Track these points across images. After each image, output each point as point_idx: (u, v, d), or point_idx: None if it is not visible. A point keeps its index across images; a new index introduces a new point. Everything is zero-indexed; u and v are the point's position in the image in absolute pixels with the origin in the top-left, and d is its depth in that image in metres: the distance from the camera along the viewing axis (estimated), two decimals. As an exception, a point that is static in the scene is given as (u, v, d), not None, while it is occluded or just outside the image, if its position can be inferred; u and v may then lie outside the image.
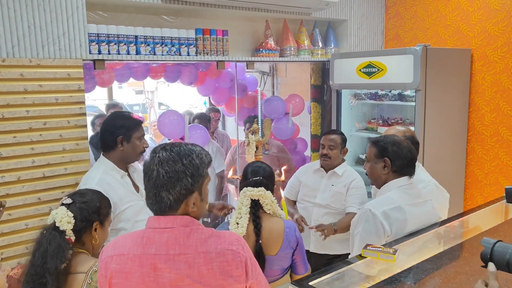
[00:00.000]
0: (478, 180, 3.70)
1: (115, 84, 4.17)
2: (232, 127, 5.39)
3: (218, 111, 4.82)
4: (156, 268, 1.29)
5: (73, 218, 1.72)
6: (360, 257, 1.78)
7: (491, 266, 1.06)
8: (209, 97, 4.95)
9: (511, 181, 3.39)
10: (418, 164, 2.47)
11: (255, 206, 2.17)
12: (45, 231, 1.72)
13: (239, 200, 2.20)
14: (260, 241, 2.11)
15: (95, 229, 1.80)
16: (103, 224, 1.85)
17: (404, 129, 2.54)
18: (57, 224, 1.70)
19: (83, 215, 1.76)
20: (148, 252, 1.30)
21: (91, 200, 1.81)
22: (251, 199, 2.16)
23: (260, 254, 2.09)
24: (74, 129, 2.59)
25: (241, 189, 2.24)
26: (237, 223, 2.11)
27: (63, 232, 1.70)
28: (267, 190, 2.20)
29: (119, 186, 2.23)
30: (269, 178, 2.29)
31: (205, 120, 4.38)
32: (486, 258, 1.11)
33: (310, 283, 1.56)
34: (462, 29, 3.71)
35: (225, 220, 3.23)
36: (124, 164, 2.33)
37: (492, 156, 3.61)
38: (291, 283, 1.58)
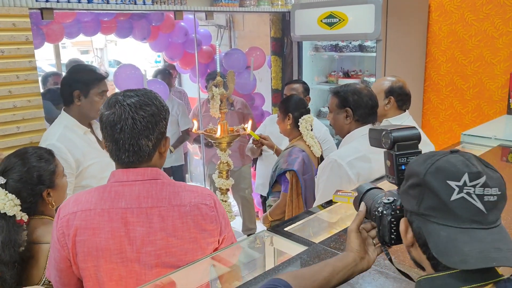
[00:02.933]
0: (433, 128, 3.85)
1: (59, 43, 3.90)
2: (188, 85, 5.25)
3: (174, 68, 4.67)
4: (127, 222, 1.22)
5: (16, 198, 1.55)
6: (322, 206, 1.82)
7: (362, 205, 1.06)
8: (162, 53, 4.76)
9: (464, 128, 3.54)
10: (408, 116, 2.50)
11: None
12: None
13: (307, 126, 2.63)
14: None
15: (48, 194, 1.64)
16: (54, 185, 1.66)
17: (394, 79, 2.48)
18: (1, 211, 1.51)
19: (28, 192, 1.58)
20: (118, 206, 1.23)
21: (27, 171, 1.59)
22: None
23: None
24: (25, 84, 2.40)
25: None
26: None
27: (12, 216, 1.52)
28: None
29: (82, 142, 2.14)
30: None
31: (168, 75, 4.23)
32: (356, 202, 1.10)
33: (286, 229, 1.59)
34: (420, -21, 3.72)
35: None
36: (85, 120, 2.20)
37: (446, 105, 3.74)
38: (267, 229, 1.60)
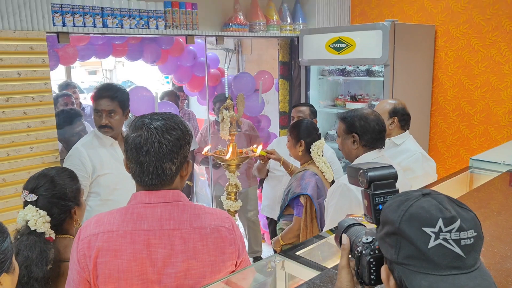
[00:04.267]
0: (440, 153, 3.86)
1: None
2: (196, 107, 5.32)
3: (182, 90, 4.74)
4: (149, 244, 1.23)
5: (47, 215, 1.58)
6: (331, 232, 1.83)
7: (344, 238, 1.04)
8: (171, 76, 4.83)
9: (471, 153, 3.55)
10: (408, 135, 2.61)
11: None
12: (20, 237, 1.55)
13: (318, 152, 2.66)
14: None
15: (75, 212, 1.68)
16: (80, 203, 1.72)
17: (396, 101, 2.61)
18: (32, 228, 1.54)
19: (59, 208, 1.62)
20: (140, 228, 1.23)
21: (58, 188, 1.64)
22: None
23: None
24: (39, 105, 2.46)
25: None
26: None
27: (42, 233, 1.55)
28: None
29: (105, 152, 2.31)
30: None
31: (175, 97, 4.29)
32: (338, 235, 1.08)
33: (297, 253, 1.60)
34: (426, 6, 3.79)
35: None
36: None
37: (454, 129, 3.76)
38: (279, 253, 1.60)
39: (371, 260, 0.93)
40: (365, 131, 2.04)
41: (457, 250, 0.76)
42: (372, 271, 0.93)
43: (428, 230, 0.77)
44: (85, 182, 2.15)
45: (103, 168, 2.26)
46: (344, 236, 1.03)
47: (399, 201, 0.83)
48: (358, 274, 0.97)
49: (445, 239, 0.76)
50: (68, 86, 4.16)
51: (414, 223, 0.78)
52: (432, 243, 0.76)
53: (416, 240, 0.77)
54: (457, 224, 0.76)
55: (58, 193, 1.63)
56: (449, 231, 0.76)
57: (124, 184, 2.20)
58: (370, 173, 1.02)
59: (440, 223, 0.76)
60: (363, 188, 1.05)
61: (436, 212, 0.77)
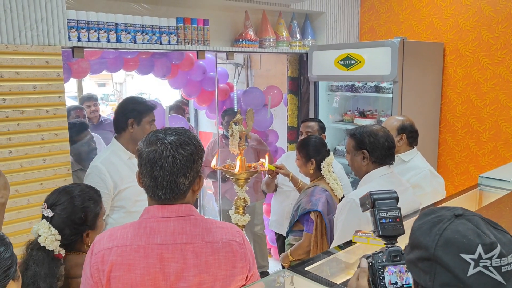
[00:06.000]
0: (449, 170, 3.85)
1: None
2: (204, 120, 5.38)
3: (187, 104, 4.79)
4: (162, 258, 1.24)
5: (58, 234, 1.56)
6: (339, 248, 1.83)
7: (364, 262, 1.09)
8: (180, 90, 4.90)
9: (480, 170, 3.54)
10: (416, 152, 2.62)
11: None
12: (30, 250, 1.55)
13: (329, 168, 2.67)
14: None
15: (87, 235, 1.65)
16: (95, 227, 1.68)
17: (404, 118, 2.63)
18: (41, 244, 1.53)
19: (71, 230, 1.60)
20: (154, 242, 1.25)
21: (75, 211, 1.61)
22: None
23: None
24: (53, 118, 2.50)
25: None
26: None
27: (51, 251, 1.54)
28: None
29: (124, 166, 2.34)
30: None
31: (181, 109, 4.34)
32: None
33: (306, 269, 1.60)
34: (435, 23, 3.83)
35: None
36: (133, 145, 2.39)
37: (462, 146, 3.76)
38: (288, 268, 1.61)
39: (379, 267, 1.04)
40: (375, 148, 2.06)
41: (498, 277, 0.72)
42: (381, 278, 1.03)
43: (466, 257, 0.73)
44: (106, 198, 2.15)
45: (123, 183, 2.30)
46: (364, 261, 1.09)
47: (430, 223, 0.79)
48: (373, 283, 1.05)
49: (485, 267, 0.72)
50: (90, 99, 4.18)
51: (451, 249, 0.74)
52: (471, 271, 0.72)
53: (454, 268, 0.73)
54: (497, 250, 0.73)
55: (73, 216, 1.61)
56: (490, 258, 0.72)
57: (145, 195, 2.24)
58: (374, 196, 1.22)
59: (479, 249, 0.73)
60: (369, 209, 1.22)
61: (474, 238, 0.74)
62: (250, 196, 3.75)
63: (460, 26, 3.66)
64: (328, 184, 2.66)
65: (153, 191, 1.28)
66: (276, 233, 3.56)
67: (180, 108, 4.44)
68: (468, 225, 0.76)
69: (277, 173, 3.06)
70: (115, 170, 2.30)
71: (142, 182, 1.31)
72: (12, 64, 2.34)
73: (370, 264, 1.04)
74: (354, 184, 3.48)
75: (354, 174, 2.26)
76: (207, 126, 5.12)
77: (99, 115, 4.18)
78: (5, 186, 1.51)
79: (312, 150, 2.71)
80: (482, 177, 2.66)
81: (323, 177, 2.68)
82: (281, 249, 3.39)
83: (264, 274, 4.06)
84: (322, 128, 3.25)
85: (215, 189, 4.23)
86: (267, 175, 3.29)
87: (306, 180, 2.93)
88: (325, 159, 2.68)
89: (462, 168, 3.78)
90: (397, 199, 1.22)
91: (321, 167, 2.67)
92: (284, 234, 3.26)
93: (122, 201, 2.31)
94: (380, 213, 1.17)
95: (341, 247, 1.84)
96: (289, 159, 3.26)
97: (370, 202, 1.21)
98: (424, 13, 3.89)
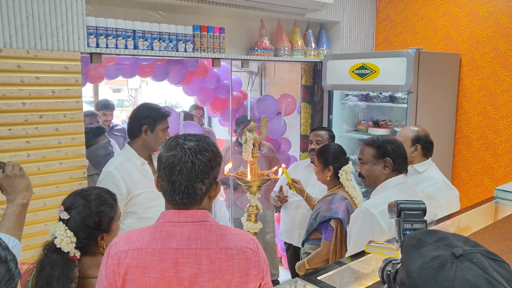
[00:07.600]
0: (464, 181, 3.80)
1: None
2: (218, 127, 5.40)
3: (200, 108, 4.80)
4: (177, 262, 1.25)
5: (74, 236, 1.58)
6: (351, 258, 1.82)
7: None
8: (194, 97, 4.93)
9: (496, 183, 3.49)
10: (431, 163, 2.61)
11: None
12: (46, 251, 1.58)
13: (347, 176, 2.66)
14: None
15: (102, 238, 1.67)
16: (110, 230, 1.70)
17: (419, 128, 2.63)
18: (57, 246, 1.56)
19: (85, 233, 1.61)
20: (169, 246, 1.26)
21: (90, 215, 1.63)
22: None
23: None
24: (70, 123, 2.55)
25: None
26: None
27: (66, 253, 1.57)
28: None
29: (137, 172, 2.36)
30: None
31: (189, 117, 4.37)
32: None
33: (319, 278, 1.59)
34: (451, 34, 3.81)
35: None
36: (146, 152, 2.43)
37: (478, 158, 3.71)
38: (301, 277, 1.60)
39: (396, 275, 1.02)
40: (397, 155, 2.07)
41: None
42: (397, 285, 1.02)
43: None
44: (119, 204, 2.17)
45: (137, 188, 2.31)
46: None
47: (432, 269, 0.74)
48: None
49: None
50: (107, 107, 4.21)
51: None
52: None
53: None
54: None
55: (87, 220, 1.62)
56: None
57: (158, 201, 2.25)
58: (402, 205, 1.20)
59: None
60: (395, 218, 1.22)
61: (487, 285, 0.70)
62: (262, 204, 3.76)
63: (477, 37, 3.64)
64: (347, 192, 2.65)
65: (171, 195, 1.30)
66: (286, 243, 3.54)
67: (188, 115, 4.45)
68: (476, 270, 0.72)
69: (285, 199, 3.07)
70: (129, 176, 2.31)
71: (160, 186, 1.33)
72: (33, 69, 2.39)
73: (388, 273, 1.04)
74: (366, 194, 3.45)
75: (364, 185, 2.24)
76: (220, 133, 5.15)
77: (111, 121, 4.25)
78: (27, 187, 1.56)
79: (330, 157, 2.70)
80: (498, 189, 2.63)
81: (342, 185, 2.68)
82: (291, 259, 3.38)
83: (274, 282, 4.03)
84: (332, 137, 3.21)
85: (227, 196, 4.23)
86: (274, 188, 3.27)
87: (317, 189, 2.93)
88: (343, 167, 2.67)
89: (477, 180, 3.73)
90: (424, 210, 1.21)
91: (339, 175, 2.66)
92: (294, 244, 3.25)
93: (134, 207, 2.32)
94: (404, 224, 1.17)
95: (353, 257, 1.83)
96: (298, 168, 3.25)
97: (397, 211, 1.20)
98: (440, 24, 3.88)
